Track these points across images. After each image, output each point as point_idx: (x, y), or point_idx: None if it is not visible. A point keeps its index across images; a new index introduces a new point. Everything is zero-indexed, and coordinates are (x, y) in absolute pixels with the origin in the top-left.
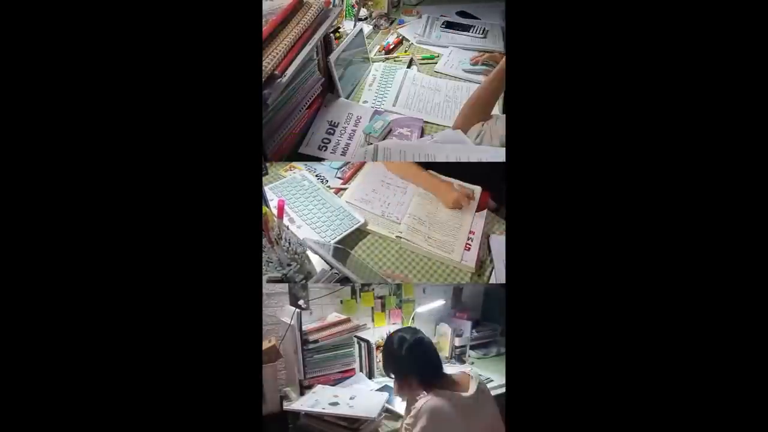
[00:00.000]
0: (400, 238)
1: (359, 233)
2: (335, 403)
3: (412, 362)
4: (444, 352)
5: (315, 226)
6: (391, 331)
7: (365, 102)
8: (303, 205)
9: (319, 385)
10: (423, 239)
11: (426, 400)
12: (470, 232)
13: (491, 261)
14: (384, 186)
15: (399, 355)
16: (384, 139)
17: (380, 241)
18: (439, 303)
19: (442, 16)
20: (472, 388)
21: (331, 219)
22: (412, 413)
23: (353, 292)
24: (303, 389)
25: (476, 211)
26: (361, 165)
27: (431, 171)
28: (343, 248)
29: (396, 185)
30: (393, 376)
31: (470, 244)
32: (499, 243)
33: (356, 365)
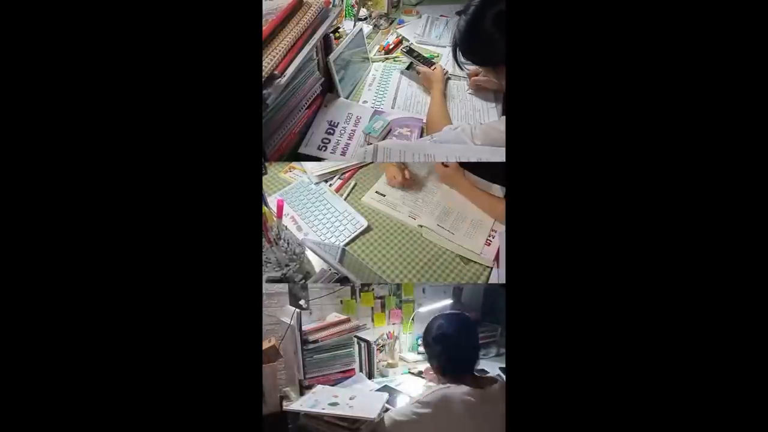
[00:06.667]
0: (422, 227)
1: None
2: (335, 404)
3: (438, 353)
4: None
5: (320, 232)
6: (438, 314)
7: (365, 102)
8: (308, 209)
9: (319, 385)
10: (445, 231)
11: (442, 387)
12: (492, 229)
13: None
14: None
15: (429, 344)
16: (384, 139)
17: (381, 240)
18: (446, 302)
19: (442, 16)
20: (493, 389)
21: (335, 224)
22: (426, 397)
23: (353, 292)
24: (303, 389)
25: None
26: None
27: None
28: (350, 252)
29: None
30: (426, 354)
31: (491, 240)
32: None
33: (356, 365)
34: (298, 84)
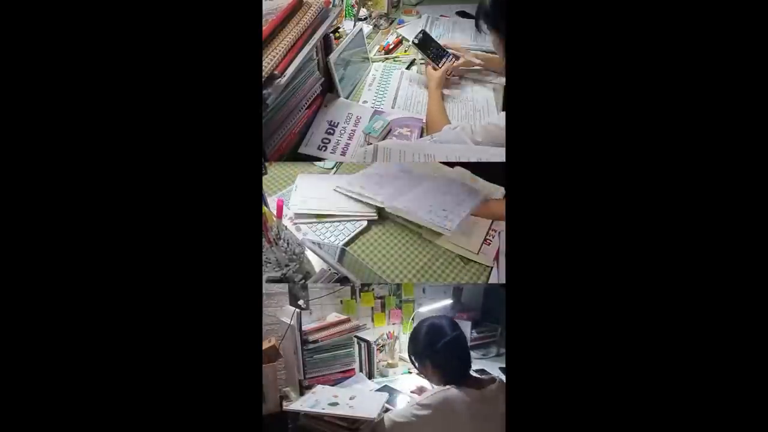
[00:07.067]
0: (422, 226)
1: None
2: (335, 404)
3: (437, 360)
4: None
5: (320, 232)
6: (423, 319)
7: (365, 102)
8: None
9: (319, 385)
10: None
11: (442, 389)
12: (492, 229)
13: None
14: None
15: (423, 350)
16: (384, 139)
17: (381, 240)
18: (446, 302)
19: (442, 16)
20: (492, 389)
21: (335, 224)
22: (426, 399)
23: (353, 292)
24: (303, 389)
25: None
26: None
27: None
28: (350, 252)
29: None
30: (416, 364)
31: (491, 240)
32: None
33: (356, 365)
34: (298, 84)
